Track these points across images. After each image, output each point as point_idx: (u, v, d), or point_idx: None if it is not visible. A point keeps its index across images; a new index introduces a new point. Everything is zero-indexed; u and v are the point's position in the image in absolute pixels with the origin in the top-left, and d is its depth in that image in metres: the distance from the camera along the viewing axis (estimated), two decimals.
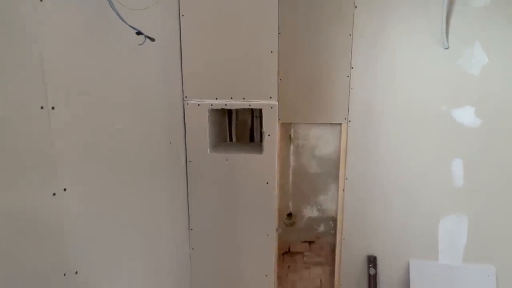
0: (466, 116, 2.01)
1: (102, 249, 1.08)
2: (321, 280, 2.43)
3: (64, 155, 0.90)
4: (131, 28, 1.08)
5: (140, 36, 1.10)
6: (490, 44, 1.91)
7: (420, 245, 2.18)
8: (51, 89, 0.84)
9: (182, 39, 1.69)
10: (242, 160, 1.81)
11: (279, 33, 1.81)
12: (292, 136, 2.24)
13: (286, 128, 2.23)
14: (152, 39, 1.13)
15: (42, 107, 0.82)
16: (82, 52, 0.97)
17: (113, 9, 1.00)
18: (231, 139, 2.20)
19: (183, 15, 1.67)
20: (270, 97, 1.72)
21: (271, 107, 1.73)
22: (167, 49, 1.56)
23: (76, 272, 0.95)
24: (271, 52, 1.68)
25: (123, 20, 1.02)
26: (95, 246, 1.05)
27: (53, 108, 0.85)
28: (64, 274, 0.91)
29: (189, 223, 1.89)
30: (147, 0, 1.26)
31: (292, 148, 2.26)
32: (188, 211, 1.87)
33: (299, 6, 2.01)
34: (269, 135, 1.76)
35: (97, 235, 1.05)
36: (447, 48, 1.93)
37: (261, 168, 1.80)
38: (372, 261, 2.23)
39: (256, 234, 1.88)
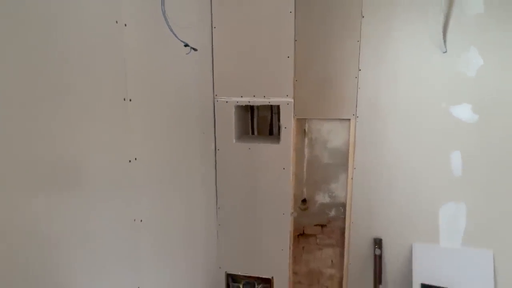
0: (464, 112, 2.22)
1: (158, 207, 1.43)
2: (332, 261, 2.69)
3: (136, 134, 1.25)
4: (179, 41, 1.42)
5: (186, 46, 1.43)
6: (484, 48, 2.12)
7: (422, 229, 2.39)
8: (129, 87, 1.19)
9: (213, 47, 2.03)
10: (262, 149, 2.12)
11: (296, 40, 2.11)
12: (306, 130, 2.53)
13: (301, 123, 2.52)
14: (195, 49, 1.47)
15: (124, 99, 1.17)
16: (147, 60, 1.31)
17: (168, 27, 1.35)
18: (253, 133, 2.51)
19: (215, 27, 2.01)
20: (287, 95, 2.03)
21: (288, 104, 2.03)
22: (202, 55, 1.90)
23: (141, 220, 1.29)
24: (288, 57, 1.99)
25: (175, 35, 1.36)
26: (153, 204, 1.39)
27: (130, 100, 1.20)
28: (134, 220, 1.26)
29: (216, 202, 2.22)
30: (191, 18, 1.60)
31: (306, 141, 2.54)
32: (216, 191, 2.21)
33: (313, 16, 2.30)
34: (285, 128, 2.07)
35: (155, 194, 1.40)
36: (445, 52, 2.17)
37: (278, 155, 2.11)
38: (378, 243, 2.48)
39: (274, 213, 2.18)
